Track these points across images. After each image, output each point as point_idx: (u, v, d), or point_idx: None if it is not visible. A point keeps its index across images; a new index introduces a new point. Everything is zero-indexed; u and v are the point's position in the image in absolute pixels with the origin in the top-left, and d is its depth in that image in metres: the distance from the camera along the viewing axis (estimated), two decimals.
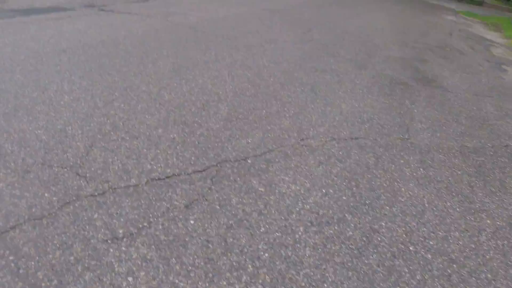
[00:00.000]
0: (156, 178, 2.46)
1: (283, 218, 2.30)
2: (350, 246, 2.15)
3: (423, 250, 2.21)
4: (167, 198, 2.30)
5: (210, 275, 1.85)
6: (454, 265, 2.14)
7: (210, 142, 2.95)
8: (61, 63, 4.07)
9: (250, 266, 1.94)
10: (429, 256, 2.18)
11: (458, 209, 2.64)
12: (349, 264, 2.03)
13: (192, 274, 1.84)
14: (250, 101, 3.77)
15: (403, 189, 2.76)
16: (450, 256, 2.20)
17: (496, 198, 2.85)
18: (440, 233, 2.38)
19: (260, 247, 2.06)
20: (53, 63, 4.04)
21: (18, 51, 4.26)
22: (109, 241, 1.95)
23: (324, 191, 2.61)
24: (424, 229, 2.39)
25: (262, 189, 2.52)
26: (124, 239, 1.97)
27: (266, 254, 2.02)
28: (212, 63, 4.64)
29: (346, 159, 3.02)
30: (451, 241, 2.33)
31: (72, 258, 1.84)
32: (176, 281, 1.80)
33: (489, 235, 2.44)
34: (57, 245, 1.90)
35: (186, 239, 2.03)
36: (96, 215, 2.10)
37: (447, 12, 13.72)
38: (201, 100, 3.64)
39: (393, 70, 5.57)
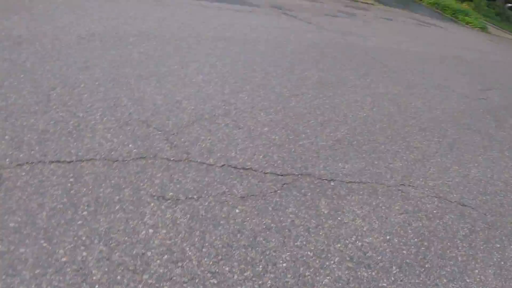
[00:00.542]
0: (233, 166, 2.70)
1: (325, 243, 2.28)
2: None
3: None
4: (230, 184, 2.52)
5: (219, 257, 2.01)
6: None
7: (306, 154, 3.04)
8: (215, 48, 4.65)
9: (261, 267, 2.02)
10: None
11: None
12: None
13: (204, 250, 2.03)
14: (374, 131, 3.69)
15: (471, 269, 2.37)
16: None
17: None
18: None
19: (283, 256, 2.11)
20: (208, 46, 4.65)
21: (183, 29, 5.02)
22: (155, 197, 2.28)
23: (388, 237, 2.45)
24: None
25: (325, 211, 2.52)
26: (169, 201, 2.27)
27: (284, 265, 2.06)
28: (359, 85, 4.65)
29: (436, 219, 2.74)
30: None
31: (117, 198, 2.23)
32: (187, 249, 2.01)
33: None
34: (112, 184, 2.31)
35: (221, 222, 2.22)
36: (159, 174, 2.46)
37: None
38: (323, 116, 3.73)
39: None
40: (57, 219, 2.11)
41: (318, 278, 2.04)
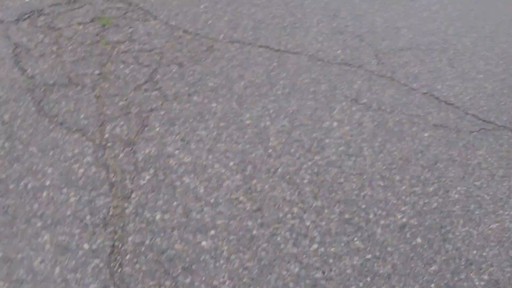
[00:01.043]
0: (436, 96, 2.60)
1: (506, 194, 2.00)
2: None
3: None
4: (427, 111, 2.46)
5: (393, 166, 2.02)
6: None
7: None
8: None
9: (432, 189, 1.99)
10: None
11: None
12: None
13: (381, 155, 1.93)
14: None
15: None
16: None
17: None
18: None
19: (458, 188, 2.01)
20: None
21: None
22: (348, 99, 2.43)
23: None
24: None
25: None
26: (361, 105, 2.40)
27: (456, 196, 1.99)
28: None
29: None
30: None
31: (312, 89, 2.42)
32: (364, 149, 2.05)
33: None
34: (311, 77, 2.47)
35: (406, 138, 2.24)
36: (359, 82, 2.57)
37: None
38: None
39: None
40: (252, 90, 2.24)
41: (486, 220, 1.87)
